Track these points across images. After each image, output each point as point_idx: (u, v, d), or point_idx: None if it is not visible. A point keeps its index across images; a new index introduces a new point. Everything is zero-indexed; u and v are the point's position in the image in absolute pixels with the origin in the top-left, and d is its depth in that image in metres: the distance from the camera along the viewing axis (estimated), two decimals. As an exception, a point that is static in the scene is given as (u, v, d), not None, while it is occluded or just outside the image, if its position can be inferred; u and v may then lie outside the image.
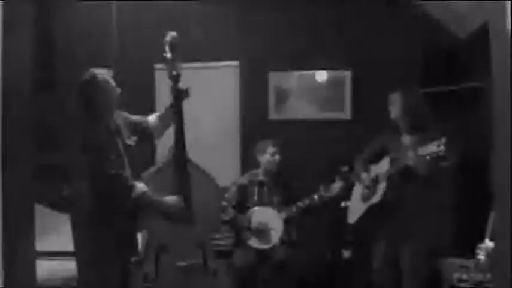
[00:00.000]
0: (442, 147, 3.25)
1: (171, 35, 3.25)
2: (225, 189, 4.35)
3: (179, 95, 3.20)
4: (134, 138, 3.22)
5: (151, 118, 3.36)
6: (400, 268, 3.59)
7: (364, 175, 3.83)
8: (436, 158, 3.30)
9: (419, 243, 3.53)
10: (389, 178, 3.60)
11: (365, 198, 3.81)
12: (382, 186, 3.66)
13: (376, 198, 3.69)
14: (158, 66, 5.00)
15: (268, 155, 4.36)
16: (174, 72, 3.22)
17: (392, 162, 3.63)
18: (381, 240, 3.72)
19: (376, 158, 3.82)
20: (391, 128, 3.79)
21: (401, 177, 3.53)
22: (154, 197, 3.08)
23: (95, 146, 2.95)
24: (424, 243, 3.55)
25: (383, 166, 3.71)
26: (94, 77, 3.05)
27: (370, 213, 3.74)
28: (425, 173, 3.42)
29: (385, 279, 3.70)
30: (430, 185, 3.51)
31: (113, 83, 3.11)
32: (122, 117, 3.23)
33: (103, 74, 3.09)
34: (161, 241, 3.14)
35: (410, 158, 3.44)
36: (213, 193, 3.31)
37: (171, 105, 3.24)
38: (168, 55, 3.22)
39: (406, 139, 3.66)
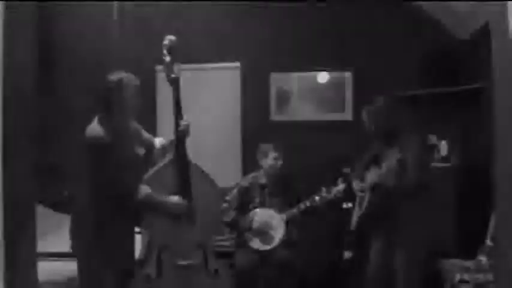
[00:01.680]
0: (394, 165, 3.35)
1: (170, 38, 3.25)
2: (226, 190, 4.36)
3: (180, 133, 3.21)
4: (141, 149, 3.23)
5: (157, 142, 3.35)
6: (394, 274, 3.59)
7: (356, 185, 3.85)
8: (391, 176, 3.36)
9: (409, 251, 3.51)
10: (371, 189, 3.62)
11: (360, 207, 3.83)
12: (367, 196, 3.69)
13: (363, 208, 3.72)
14: (159, 67, 5.01)
15: (270, 160, 4.35)
16: (173, 75, 3.22)
17: (374, 173, 3.66)
18: (374, 247, 3.74)
19: (371, 166, 3.84)
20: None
21: (378, 190, 3.55)
22: (158, 198, 3.08)
23: (101, 147, 2.94)
24: (414, 249, 3.53)
25: (371, 176, 3.74)
26: (122, 80, 3.03)
27: (362, 221, 3.76)
28: (392, 186, 3.44)
29: (382, 279, 3.70)
30: (406, 195, 3.50)
31: (138, 90, 3.10)
32: (135, 127, 3.24)
33: (131, 79, 3.07)
34: (162, 241, 3.14)
35: (376, 176, 3.50)
36: (212, 193, 3.31)
37: (174, 140, 3.26)
38: (167, 58, 3.23)
39: (389, 151, 3.65)
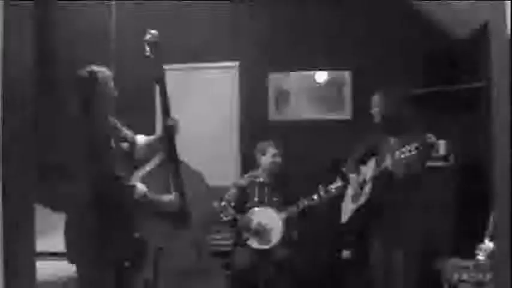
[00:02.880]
0: (413, 151, 3.27)
1: (152, 33, 3.16)
2: (223, 190, 4.35)
3: (168, 131, 3.17)
4: (125, 144, 3.19)
5: (139, 139, 3.28)
6: (393, 268, 3.60)
7: (352, 176, 3.85)
8: (415, 160, 3.34)
9: (408, 244, 3.53)
10: (374, 180, 3.62)
11: (354, 199, 3.83)
12: (368, 187, 3.69)
13: (362, 199, 3.72)
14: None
15: (269, 157, 4.35)
16: (157, 72, 3.15)
17: (377, 163, 3.66)
18: (373, 240, 3.75)
19: (368, 158, 3.85)
20: (379, 129, 3.82)
21: (383, 179, 3.55)
22: (154, 196, 3.06)
23: (95, 145, 2.92)
24: (414, 243, 3.55)
25: (370, 167, 3.74)
26: (94, 73, 2.97)
27: (358, 213, 3.77)
28: (402, 175, 3.44)
29: (380, 278, 3.71)
30: (412, 187, 3.51)
31: (112, 83, 3.04)
32: (114, 122, 3.18)
33: (103, 72, 3.02)
34: (158, 244, 3.13)
35: (387, 162, 3.49)
36: (204, 192, 3.29)
37: (162, 138, 3.21)
38: (150, 54, 3.13)
39: (392, 141, 3.67)
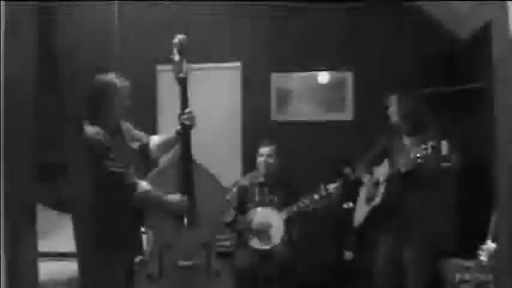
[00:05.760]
0: (429, 150, 3.28)
1: (180, 37, 3.27)
2: (227, 190, 4.35)
3: (185, 127, 3.20)
4: (136, 144, 3.23)
5: (154, 139, 3.34)
6: (403, 269, 3.59)
7: (366, 178, 3.84)
8: (431, 160, 3.33)
9: (421, 244, 3.53)
10: (388, 180, 3.61)
11: (368, 201, 3.81)
12: (382, 189, 3.67)
13: (376, 201, 3.70)
14: (160, 67, 5.01)
15: (261, 157, 4.36)
16: (181, 74, 3.22)
17: (390, 164, 3.65)
18: (384, 241, 3.72)
19: (380, 160, 3.83)
20: (393, 130, 3.80)
21: (398, 179, 3.54)
22: (157, 194, 3.07)
23: (98, 144, 2.95)
24: (427, 244, 3.55)
25: (383, 168, 3.72)
26: (109, 82, 3.06)
27: (372, 215, 3.74)
28: (416, 175, 3.44)
29: (387, 280, 3.69)
30: (428, 187, 3.51)
31: (126, 92, 3.11)
32: (127, 127, 3.24)
33: (122, 81, 3.09)
34: (165, 241, 3.14)
35: (400, 162, 3.48)
36: (217, 194, 3.31)
37: (177, 133, 3.24)
38: (176, 57, 3.23)
39: (407, 141, 3.67)
